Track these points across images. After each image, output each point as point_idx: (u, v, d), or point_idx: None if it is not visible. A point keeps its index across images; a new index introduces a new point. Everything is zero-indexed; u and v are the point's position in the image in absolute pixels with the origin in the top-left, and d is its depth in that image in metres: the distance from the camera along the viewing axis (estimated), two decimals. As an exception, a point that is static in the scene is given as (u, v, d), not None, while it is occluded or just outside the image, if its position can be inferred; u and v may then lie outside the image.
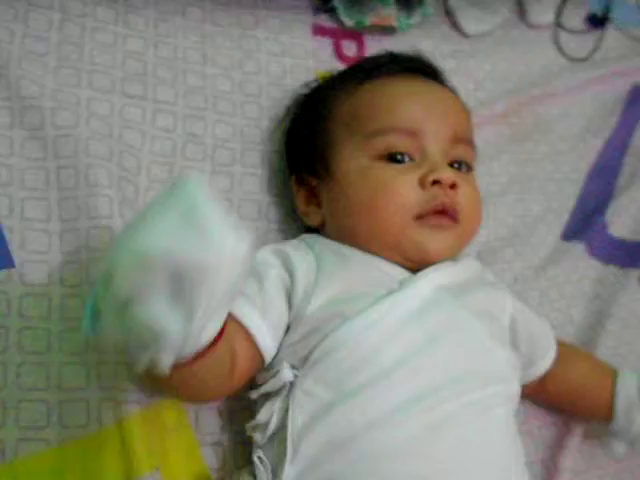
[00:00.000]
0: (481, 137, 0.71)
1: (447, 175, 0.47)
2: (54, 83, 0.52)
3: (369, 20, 0.68)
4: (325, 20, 0.68)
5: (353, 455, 0.38)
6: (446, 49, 0.75)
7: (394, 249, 0.47)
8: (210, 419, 0.48)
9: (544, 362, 0.53)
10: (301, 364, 0.42)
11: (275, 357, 0.43)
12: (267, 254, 0.46)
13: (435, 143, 0.49)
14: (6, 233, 0.47)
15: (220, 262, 0.28)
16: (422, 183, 0.47)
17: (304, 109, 0.56)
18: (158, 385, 0.41)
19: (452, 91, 0.56)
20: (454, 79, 0.72)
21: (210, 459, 0.47)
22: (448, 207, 0.47)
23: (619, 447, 0.56)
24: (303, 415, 0.40)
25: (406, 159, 0.48)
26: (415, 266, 0.47)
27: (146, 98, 0.56)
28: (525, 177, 0.73)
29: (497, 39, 0.78)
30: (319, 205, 0.51)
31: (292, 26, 0.66)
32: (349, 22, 0.67)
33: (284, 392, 0.41)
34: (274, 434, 0.41)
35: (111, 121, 0.53)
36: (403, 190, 0.47)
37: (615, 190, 0.77)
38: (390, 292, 0.44)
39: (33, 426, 0.43)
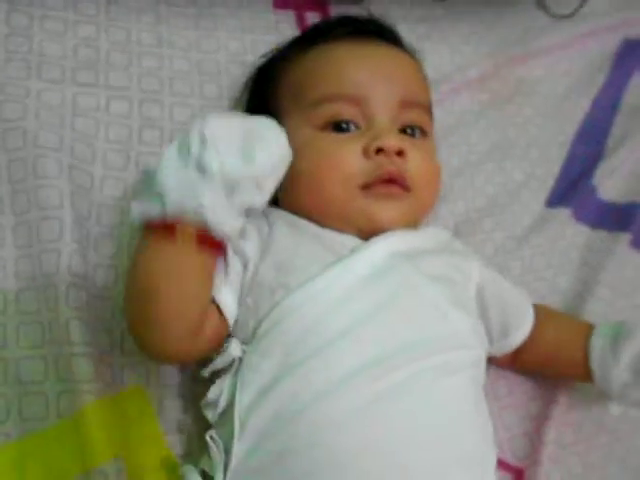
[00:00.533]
0: (458, 104, 0.70)
1: (391, 142, 0.45)
2: (3, 77, 0.52)
3: (333, -12, 0.65)
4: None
5: (300, 428, 0.37)
6: (418, 13, 0.72)
7: (344, 220, 0.46)
8: (174, 406, 0.47)
9: (519, 333, 0.51)
10: (249, 339, 0.41)
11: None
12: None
13: (382, 109, 0.47)
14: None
15: (279, 135, 0.38)
16: (366, 152, 0.45)
17: (256, 82, 0.54)
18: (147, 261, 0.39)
19: (409, 53, 0.53)
20: (427, 44, 0.70)
21: (176, 447, 0.46)
22: (395, 175, 0.45)
23: (612, 406, 0.53)
24: (250, 391, 0.39)
25: (352, 127, 0.47)
26: (369, 237, 0.45)
27: (98, 85, 0.55)
28: (506, 143, 0.70)
29: (473, 0, 0.75)
30: None
31: (252, 0, 0.64)
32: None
33: (233, 369, 0.41)
34: (224, 412, 0.40)
35: (62, 111, 0.52)
36: (346, 160, 0.45)
37: (605, 151, 0.73)
38: (340, 259, 0.42)
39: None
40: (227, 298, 0.42)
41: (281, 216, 0.47)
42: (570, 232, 0.67)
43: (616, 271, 0.65)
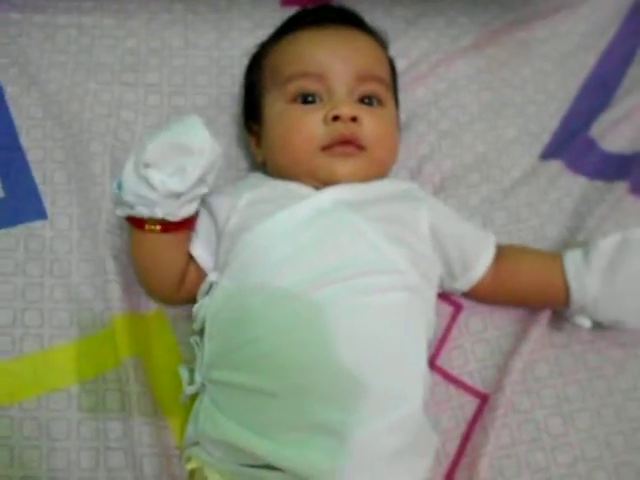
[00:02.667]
0: (453, 71, 0.75)
1: (345, 110, 0.54)
2: (70, 81, 0.70)
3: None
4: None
5: (248, 330, 0.48)
6: (417, -7, 0.79)
7: (309, 175, 0.55)
8: (186, 325, 0.60)
9: (480, 265, 0.57)
10: (222, 268, 0.53)
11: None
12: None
13: (340, 83, 0.56)
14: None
15: (203, 146, 0.48)
16: (325, 119, 0.54)
17: (247, 69, 0.66)
18: (139, 250, 0.55)
19: (371, 35, 0.61)
20: (423, 20, 0.77)
21: (185, 353, 0.60)
22: (348, 137, 0.54)
23: (584, 321, 0.57)
24: (216, 303, 0.51)
25: (316, 100, 0.56)
26: None
27: (138, 84, 0.71)
28: (500, 103, 0.73)
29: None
30: (261, 145, 0.61)
31: (261, 2, 0.76)
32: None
33: (211, 291, 0.53)
34: (202, 322, 0.53)
35: (111, 104, 0.69)
36: (309, 126, 0.55)
37: (611, 103, 0.73)
38: (292, 203, 0.52)
39: (60, 325, 0.60)
40: (198, 251, 0.55)
41: (257, 178, 0.59)
42: (563, 183, 0.69)
43: (612, 218, 0.66)
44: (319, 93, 0.56)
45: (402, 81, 0.72)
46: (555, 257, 0.57)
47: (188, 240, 0.55)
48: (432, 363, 0.60)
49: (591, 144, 0.71)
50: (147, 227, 0.51)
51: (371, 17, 0.66)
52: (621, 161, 0.70)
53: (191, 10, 0.75)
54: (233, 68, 0.72)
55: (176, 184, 0.48)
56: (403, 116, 0.71)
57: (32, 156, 0.65)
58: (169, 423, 0.58)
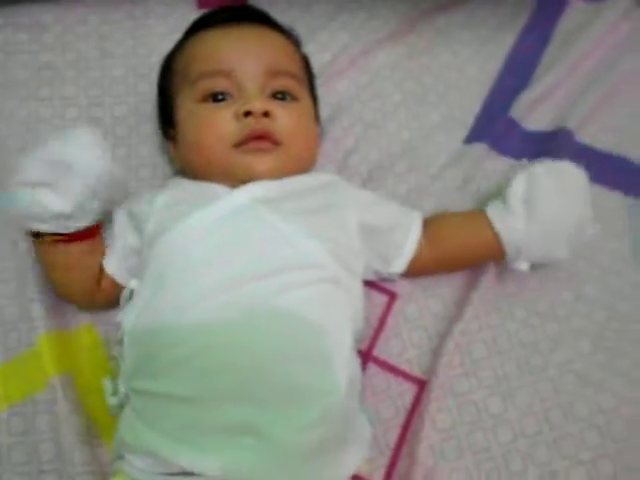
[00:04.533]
0: (373, 62, 0.75)
1: (257, 105, 0.53)
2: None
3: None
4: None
5: (163, 336, 0.47)
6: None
7: (224, 175, 0.54)
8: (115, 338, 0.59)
9: (410, 240, 0.58)
10: (143, 273, 0.52)
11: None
12: (119, 211, 0.57)
13: (249, 79, 0.55)
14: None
15: (83, 163, 0.48)
16: (236, 115, 0.54)
17: (160, 72, 0.65)
18: (44, 261, 0.55)
19: (282, 32, 0.61)
20: (342, 16, 0.77)
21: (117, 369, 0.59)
22: (260, 132, 0.53)
23: (521, 264, 0.59)
24: (134, 311, 0.50)
25: (227, 97, 0.55)
26: None
27: (54, 98, 0.69)
28: (422, 91, 0.74)
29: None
30: (178, 149, 0.60)
31: (177, 7, 0.75)
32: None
33: (132, 298, 0.52)
34: (122, 333, 0.52)
35: (28, 120, 0.68)
36: (219, 124, 0.54)
37: (531, 83, 0.74)
38: (207, 203, 0.51)
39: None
40: (112, 265, 0.55)
41: (175, 183, 0.58)
42: (489, 165, 0.70)
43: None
44: (229, 91, 0.55)
45: (324, 75, 0.72)
46: (479, 213, 0.59)
47: (99, 247, 0.55)
48: (368, 354, 0.60)
49: (512, 124, 0.71)
50: (46, 239, 0.51)
51: (290, 15, 0.66)
52: (542, 139, 0.70)
53: (107, 20, 0.74)
54: (151, 75, 0.71)
55: (59, 205, 0.48)
56: (327, 110, 0.71)
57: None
58: (103, 441, 0.56)
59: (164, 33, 0.74)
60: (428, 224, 0.59)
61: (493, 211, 0.58)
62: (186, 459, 0.43)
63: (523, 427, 0.58)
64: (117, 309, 0.58)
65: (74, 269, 0.54)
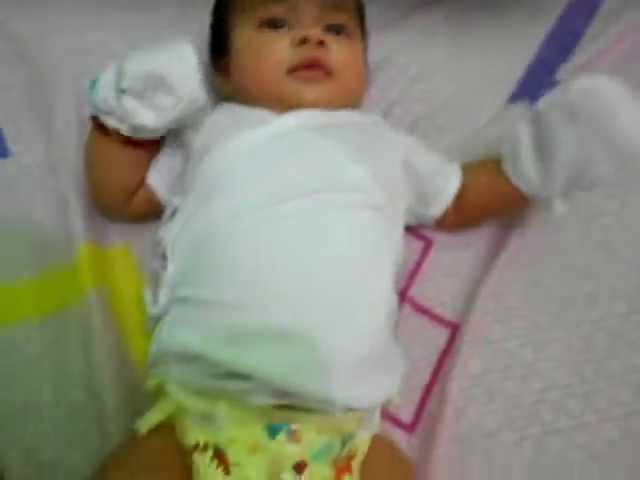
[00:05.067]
0: (423, 17, 0.76)
1: (313, 33, 0.54)
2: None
3: None
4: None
5: (212, 244, 0.47)
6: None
7: (275, 101, 0.55)
8: (150, 261, 0.59)
9: (451, 185, 0.58)
10: (187, 190, 0.52)
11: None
12: None
13: (308, 9, 0.56)
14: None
15: (185, 87, 0.48)
16: (293, 42, 0.54)
17: (215, 5, 0.65)
18: (96, 152, 0.55)
19: None
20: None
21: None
22: (314, 60, 0.54)
23: (557, 205, 0.54)
24: (177, 224, 0.50)
25: (285, 26, 0.56)
26: None
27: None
28: (468, 48, 0.74)
29: None
30: (229, 77, 0.60)
31: None
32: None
33: (175, 214, 0.52)
34: (166, 245, 0.51)
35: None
36: (275, 50, 0.54)
37: (574, 53, 0.75)
38: (255, 126, 0.52)
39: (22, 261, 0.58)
40: (156, 179, 0.56)
41: (225, 106, 0.58)
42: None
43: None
44: (287, 19, 0.56)
45: (372, 25, 0.72)
46: (496, 161, 0.56)
47: (147, 161, 0.55)
48: (404, 294, 0.60)
49: (558, 85, 0.71)
50: (111, 133, 0.50)
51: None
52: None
53: None
54: (203, 18, 0.72)
55: (149, 120, 0.48)
56: (374, 59, 0.71)
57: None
58: (134, 356, 0.56)
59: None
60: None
61: (506, 160, 0.54)
62: (230, 358, 0.43)
63: (554, 378, 0.58)
64: (150, 232, 0.58)
65: (121, 170, 0.54)
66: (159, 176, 0.56)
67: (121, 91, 0.47)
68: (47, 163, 0.62)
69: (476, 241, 0.63)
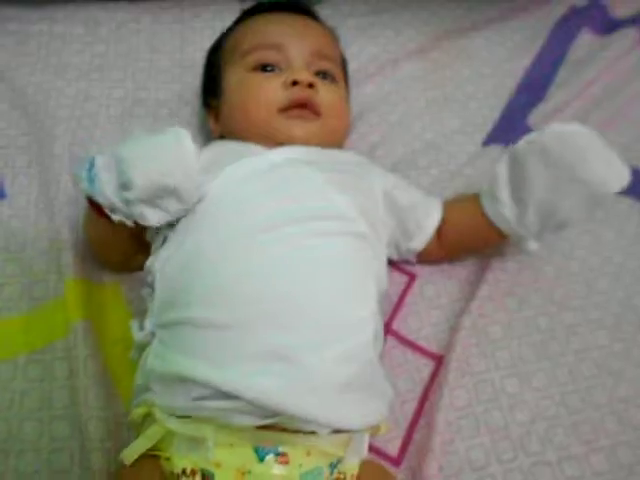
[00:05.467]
0: (398, 72, 0.82)
1: (304, 76, 0.58)
2: (38, 79, 0.73)
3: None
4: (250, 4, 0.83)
5: (200, 267, 0.48)
6: (365, 9, 0.87)
7: (267, 137, 0.58)
8: (139, 298, 0.60)
9: (433, 218, 0.60)
10: (177, 221, 0.53)
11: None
12: None
13: (297, 55, 0.60)
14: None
15: (185, 185, 0.48)
16: (284, 84, 0.58)
17: (209, 51, 0.70)
18: (93, 231, 0.57)
19: (323, 25, 0.67)
20: (372, 31, 0.84)
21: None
22: (305, 100, 0.58)
23: (530, 245, 0.57)
24: (167, 251, 0.51)
25: (275, 69, 0.60)
26: None
27: (104, 80, 0.75)
28: (444, 99, 0.79)
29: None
30: (221, 118, 0.64)
31: (222, 14, 0.82)
32: (269, -1, 0.82)
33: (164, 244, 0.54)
34: (154, 273, 0.52)
35: (76, 97, 0.72)
36: (268, 90, 0.58)
37: (545, 98, 0.80)
38: (246, 158, 0.54)
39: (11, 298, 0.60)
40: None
41: (216, 143, 0.61)
42: (505, 165, 0.74)
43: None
44: (278, 63, 0.60)
45: (353, 79, 0.77)
46: (475, 198, 0.59)
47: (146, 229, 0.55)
48: (388, 327, 0.61)
49: (529, 131, 0.76)
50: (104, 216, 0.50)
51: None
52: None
53: (157, 21, 0.81)
54: (195, 68, 0.77)
55: (155, 220, 0.49)
56: (355, 109, 0.75)
57: (-5, 144, 0.67)
58: (119, 391, 0.56)
59: (210, 35, 0.80)
60: None
61: (484, 198, 0.57)
62: (217, 379, 0.43)
63: (541, 409, 0.58)
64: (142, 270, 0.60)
65: (122, 243, 0.56)
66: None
67: (127, 200, 0.47)
68: (41, 203, 0.64)
69: (458, 273, 0.65)
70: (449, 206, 0.62)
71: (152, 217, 0.49)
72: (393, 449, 0.55)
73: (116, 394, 0.56)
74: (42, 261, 0.61)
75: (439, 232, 0.61)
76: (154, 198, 0.48)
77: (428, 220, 0.60)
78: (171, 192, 0.47)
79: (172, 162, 0.47)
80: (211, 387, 0.43)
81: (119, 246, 0.57)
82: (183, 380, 0.44)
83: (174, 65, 0.78)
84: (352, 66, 0.79)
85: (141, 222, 0.49)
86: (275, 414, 0.43)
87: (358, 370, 0.46)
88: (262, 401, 0.42)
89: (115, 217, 0.49)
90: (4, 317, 0.58)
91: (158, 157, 0.47)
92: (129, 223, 0.49)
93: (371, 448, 0.54)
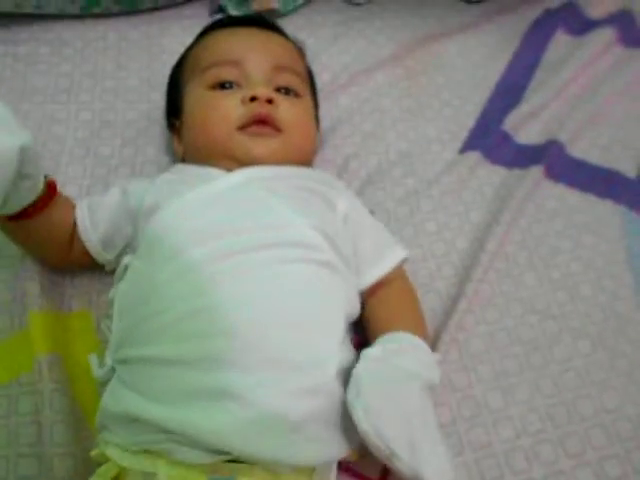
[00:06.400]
0: (372, 80, 0.80)
1: (262, 91, 0.56)
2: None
3: (253, 7, 0.81)
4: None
5: (153, 303, 0.46)
6: (338, 18, 0.85)
7: (225, 156, 0.56)
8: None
9: (389, 259, 0.55)
10: (135, 249, 0.52)
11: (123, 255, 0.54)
12: (113, 190, 0.57)
13: (257, 70, 0.58)
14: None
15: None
16: (243, 101, 0.57)
17: (172, 71, 0.68)
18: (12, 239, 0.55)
19: (286, 38, 0.66)
20: (344, 40, 0.83)
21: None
22: (264, 116, 0.56)
23: None
24: (125, 283, 0.50)
25: (234, 86, 0.58)
26: None
27: (70, 102, 0.73)
28: (419, 107, 0.78)
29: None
30: (182, 138, 0.62)
31: (192, 29, 0.81)
32: (237, 13, 0.81)
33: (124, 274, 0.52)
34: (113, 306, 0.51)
35: (42, 121, 0.71)
36: (226, 107, 0.56)
37: (521, 102, 0.79)
38: (204, 183, 0.53)
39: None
40: (91, 239, 0.55)
41: (176, 167, 0.60)
42: (483, 172, 0.72)
43: (531, 199, 0.69)
44: (237, 80, 0.58)
45: (325, 90, 0.76)
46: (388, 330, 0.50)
47: (60, 214, 0.53)
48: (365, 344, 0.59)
49: (505, 137, 0.75)
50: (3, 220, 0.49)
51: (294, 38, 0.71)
52: (534, 151, 0.74)
53: (124, 38, 0.80)
54: (164, 85, 0.75)
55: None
56: (328, 121, 0.74)
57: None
58: (88, 425, 0.54)
59: (178, 51, 0.78)
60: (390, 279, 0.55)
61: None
62: (168, 419, 0.41)
63: (525, 424, 0.56)
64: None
65: (41, 241, 0.54)
66: (94, 234, 0.55)
67: None
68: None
69: (436, 287, 0.64)
70: (385, 304, 0.54)
71: None
72: (375, 472, 0.54)
73: (86, 428, 0.54)
74: (6, 293, 0.59)
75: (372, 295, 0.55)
76: None
77: (384, 261, 0.55)
78: None
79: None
80: (162, 427, 0.41)
81: (44, 248, 0.55)
82: (135, 419, 0.43)
83: (142, 83, 0.76)
84: (325, 77, 0.78)
85: None
86: (229, 453, 0.41)
87: (320, 406, 0.44)
88: (214, 441, 0.40)
89: None
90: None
91: None
92: None
93: (350, 472, 0.52)
